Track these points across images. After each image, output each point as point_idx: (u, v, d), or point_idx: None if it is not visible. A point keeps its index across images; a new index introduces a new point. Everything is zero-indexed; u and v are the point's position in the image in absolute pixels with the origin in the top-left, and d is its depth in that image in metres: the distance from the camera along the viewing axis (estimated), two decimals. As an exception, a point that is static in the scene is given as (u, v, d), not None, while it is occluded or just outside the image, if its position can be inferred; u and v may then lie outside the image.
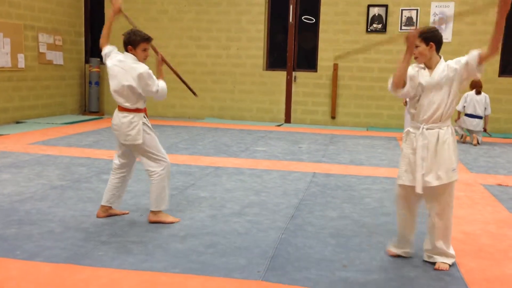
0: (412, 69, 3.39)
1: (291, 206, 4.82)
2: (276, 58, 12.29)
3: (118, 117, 4.04)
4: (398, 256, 3.57)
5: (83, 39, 12.72)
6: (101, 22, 12.62)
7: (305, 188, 5.55)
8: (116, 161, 4.22)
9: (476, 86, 9.09)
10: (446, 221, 3.40)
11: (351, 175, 6.30)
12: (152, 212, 4.14)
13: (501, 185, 5.95)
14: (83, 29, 12.70)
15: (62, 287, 2.94)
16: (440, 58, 3.39)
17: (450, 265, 3.40)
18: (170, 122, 11.37)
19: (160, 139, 9.47)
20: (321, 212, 4.64)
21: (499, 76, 11.06)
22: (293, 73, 11.93)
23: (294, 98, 11.98)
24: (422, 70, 3.39)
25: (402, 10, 11.28)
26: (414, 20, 11.21)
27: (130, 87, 3.95)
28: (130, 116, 4.01)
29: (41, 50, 11.05)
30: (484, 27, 10.91)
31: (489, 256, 3.63)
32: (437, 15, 11.14)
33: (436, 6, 11.14)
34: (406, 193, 3.47)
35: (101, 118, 11.82)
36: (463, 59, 3.32)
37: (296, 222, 4.32)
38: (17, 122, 10.31)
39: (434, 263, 3.43)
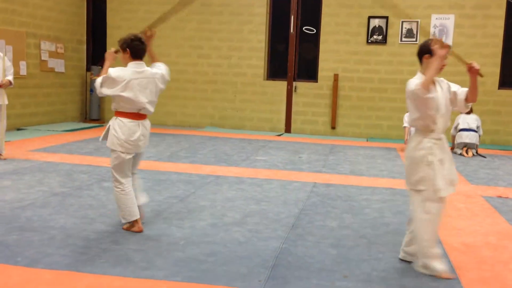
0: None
1: (291, 215, 4.82)
2: (277, 68, 12.35)
3: (144, 126, 4.11)
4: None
5: (84, 47, 12.79)
6: (103, 31, 12.74)
7: (306, 198, 5.56)
8: (128, 178, 4.16)
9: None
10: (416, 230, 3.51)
11: (351, 185, 6.31)
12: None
13: (501, 197, 5.96)
14: (85, 37, 12.78)
15: (63, 294, 2.95)
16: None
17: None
18: (170, 130, 11.39)
19: (161, 147, 9.48)
20: (321, 222, 4.65)
21: (498, 88, 11.12)
22: (294, 83, 11.97)
23: (294, 108, 12.01)
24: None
25: (402, 22, 11.36)
26: (415, 32, 11.28)
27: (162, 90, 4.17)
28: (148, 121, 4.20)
29: (43, 58, 11.10)
30: (484, 40, 10.99)
31: (490, 268, 3.63)
32: (437, 27, 11.21)
33: (437, 18, 11.21)
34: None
35: (102, 125, 11.84)
36: (453, 86, 3.56)
37: (296, 231, 4.33)
38: (18, 129, 10.33)
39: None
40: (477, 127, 9.32)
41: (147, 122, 4.13)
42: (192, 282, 3.18)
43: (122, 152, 3.99)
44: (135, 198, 4.16)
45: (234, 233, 4.22)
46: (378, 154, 9.01)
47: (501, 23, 11.00)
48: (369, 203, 5.46)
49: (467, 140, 9.16)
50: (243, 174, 6.71)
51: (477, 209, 5.36)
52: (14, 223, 4.20)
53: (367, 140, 11.21)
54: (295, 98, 12.00)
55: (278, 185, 6.13)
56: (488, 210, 5.32)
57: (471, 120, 9.33)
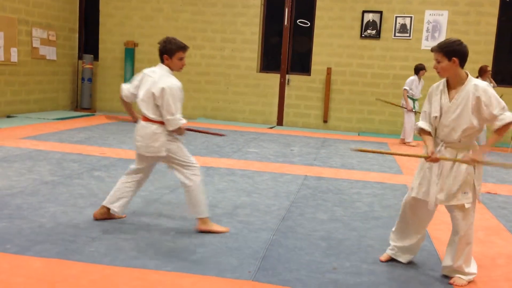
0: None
1: (282, 208, 4.84)
2: (270, 61, 12.33)
3: (142, 128, 3.92)
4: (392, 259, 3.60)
5: (77, 35, 12.67)
6: (96, 19, 12.63)
7: (297, 190, 5.58)
8: (133, 166, 4.09)
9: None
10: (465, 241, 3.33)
11: (342, 179, 6.33)
12: (201, 220, 3.98)
13: (489, 192, 6.02)
14: (77, 25, 12.66)
15: (53, 282, 2.94)
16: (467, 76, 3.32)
17: (467, 282, 3.31)
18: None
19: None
20: (312, 215, 4.67)
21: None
22: (287, 76, 11.96)
23: (287, 101, 12.01)
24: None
25: (396, 17, 11.37)
26: (408, 27, 11.31)
27: (155, 96, 3.85)
28: (153, 126, 3.89)
29: (34, 45, 10.99)
30: (477, 37, 11.04)
31: (478, 263, 3.65)
32: (431, 23, 11.24)
33: (430, 14, 11.24)
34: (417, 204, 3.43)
35: (93, 115, 11.77)
36: (488, 108, 3.31)
37: (287, 223, 4.34)
38: (8, 116, 10.24)
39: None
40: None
41: (146, 125, 3.91)
42: (183, 272, 3.18)
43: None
44: (119, 189, 4.05)
45: (224, 224, 4.22)
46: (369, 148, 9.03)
47: (494, 20, 11.05)
48: (360, 196, 5.49)
49: None
50: (234, 166, 6.71)
51: (466, 204, 5.40)
52: (3, 211, 4.18)
53: (358, 134, 11.25)
54: (287, 91, 12.00)
55: (269, 177, 6.14)
56: (477, 206, 5.35)
57: None
